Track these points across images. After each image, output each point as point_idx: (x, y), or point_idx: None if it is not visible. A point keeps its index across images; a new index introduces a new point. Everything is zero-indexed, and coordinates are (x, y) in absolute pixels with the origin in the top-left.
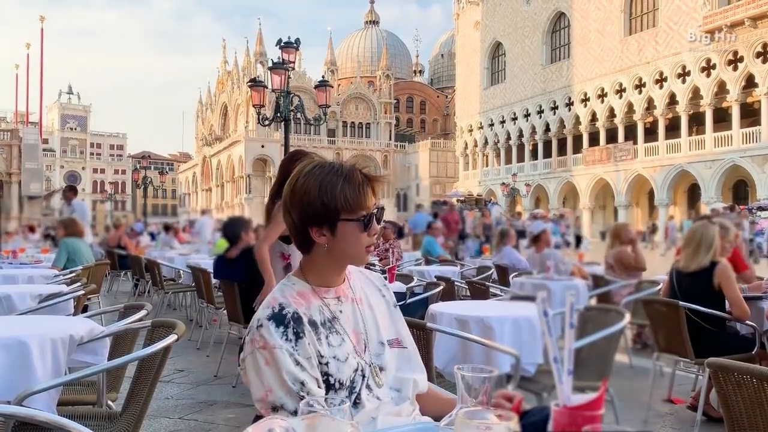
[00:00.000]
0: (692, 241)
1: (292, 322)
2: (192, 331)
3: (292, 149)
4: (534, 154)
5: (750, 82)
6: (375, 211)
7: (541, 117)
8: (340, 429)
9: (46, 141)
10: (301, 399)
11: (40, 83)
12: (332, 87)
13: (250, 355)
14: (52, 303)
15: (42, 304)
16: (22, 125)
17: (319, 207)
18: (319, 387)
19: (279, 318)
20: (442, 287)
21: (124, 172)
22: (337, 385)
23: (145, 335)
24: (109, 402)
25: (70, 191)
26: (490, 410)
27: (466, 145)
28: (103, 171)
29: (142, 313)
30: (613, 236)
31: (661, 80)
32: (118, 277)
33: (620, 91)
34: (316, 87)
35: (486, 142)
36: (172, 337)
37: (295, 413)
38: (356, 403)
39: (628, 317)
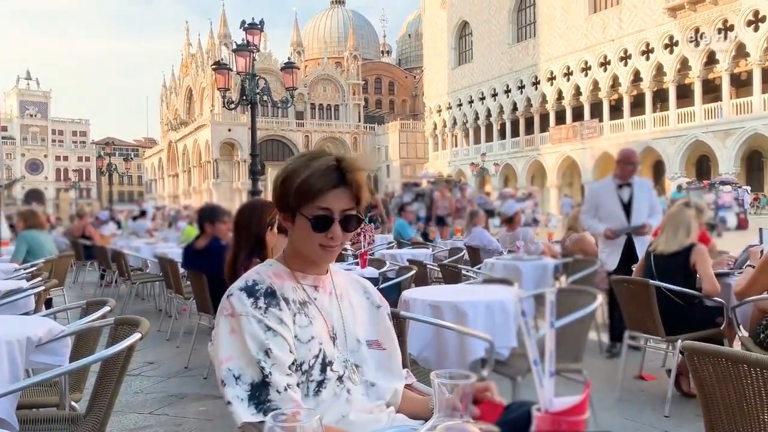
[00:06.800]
0: (671, 225)
1: (263, 296)
2: (161, 322)
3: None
4: (502, 134)
5: (711, 59)
6: (339, 215)
7: (508, 96)
8: None
9: (5, 128)
10: (261, 371)
11: None
12: (299, 69)
13: (216, 324)
14: (10, 300)
15: (0, 302)
16: None
17: (285, 191)
18: (291, 352)
19: (251, 290)
20: (414, 271)
21: (88, 159)
22: (293, 367)
23: (108, 332)
24: (73, 403)
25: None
26: (470, 422)
27: (435, 125)
28: (66, 158)
29: (105, 309)
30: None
31: (625, 57)
32: (84, 268)
33: (585, 69)
34: (282, 69)
35: (455, 122)
36: (136, 336)
37: (252, 384)
38: (317, 392)
39: (600, 298)
